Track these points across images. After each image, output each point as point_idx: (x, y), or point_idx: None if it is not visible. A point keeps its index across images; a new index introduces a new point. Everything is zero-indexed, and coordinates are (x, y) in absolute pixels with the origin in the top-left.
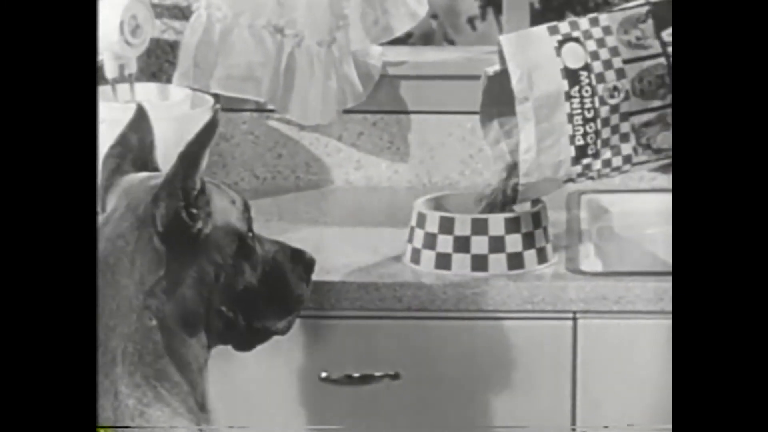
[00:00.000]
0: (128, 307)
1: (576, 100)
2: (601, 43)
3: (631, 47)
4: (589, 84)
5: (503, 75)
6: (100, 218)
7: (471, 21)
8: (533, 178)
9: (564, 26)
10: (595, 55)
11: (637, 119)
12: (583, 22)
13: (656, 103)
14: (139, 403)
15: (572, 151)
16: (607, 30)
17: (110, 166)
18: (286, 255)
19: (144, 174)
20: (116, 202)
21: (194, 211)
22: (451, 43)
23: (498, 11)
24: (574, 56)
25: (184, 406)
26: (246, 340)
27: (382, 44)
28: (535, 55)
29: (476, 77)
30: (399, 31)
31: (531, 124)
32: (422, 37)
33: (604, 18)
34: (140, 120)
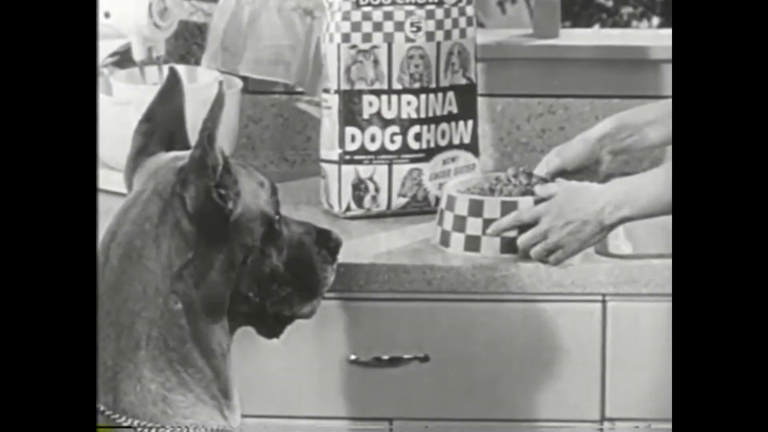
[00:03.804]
0: (154, 291)
1: None
2: None
3: None
4: None
5: None
6: (126, 199)
7: (501, 4)
8: None
9: None
10: None
11: None
12: None
13: None
14: (161, 387)
15: None
16: None
17: (137, 144)
18: (312, 237)
19: (171, 154)
20: (143, 184)
21: (223, 191)
22: (481, 26)
23: None
24: None
25: (207, 393)
26: (273, 328)
27: None
28: None
29: (506, 60)
30: None
31: None
32: None
33: None
34: (171, 87)
